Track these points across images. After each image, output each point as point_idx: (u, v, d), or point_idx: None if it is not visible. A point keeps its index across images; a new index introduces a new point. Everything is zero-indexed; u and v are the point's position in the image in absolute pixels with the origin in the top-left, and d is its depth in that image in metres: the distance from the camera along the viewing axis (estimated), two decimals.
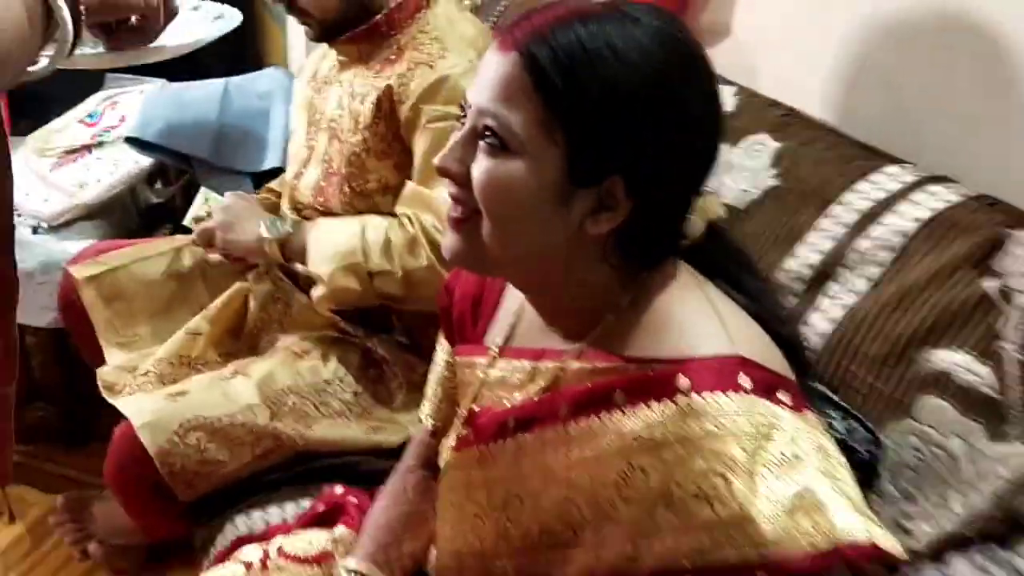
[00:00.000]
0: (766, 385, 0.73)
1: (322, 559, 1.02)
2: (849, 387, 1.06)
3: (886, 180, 1.14)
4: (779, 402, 0.73)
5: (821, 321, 1.12)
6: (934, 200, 1.08)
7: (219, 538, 1.24)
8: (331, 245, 1.36)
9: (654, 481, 0.71)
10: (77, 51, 0.79)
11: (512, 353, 0.88)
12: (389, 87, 1.37)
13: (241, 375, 1.35)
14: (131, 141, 1.79)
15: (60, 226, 1.81)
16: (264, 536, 1.12)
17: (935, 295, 1.01)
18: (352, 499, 1.11)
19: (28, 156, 1.93)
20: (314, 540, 1.05)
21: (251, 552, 1.05)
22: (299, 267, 1.42)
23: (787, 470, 0.70)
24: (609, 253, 0.78)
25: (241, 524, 1.24)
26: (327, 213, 1.48)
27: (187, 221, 1.55)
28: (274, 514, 1.25)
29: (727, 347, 0.73)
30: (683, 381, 0.71)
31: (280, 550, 1.04)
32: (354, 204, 1.44)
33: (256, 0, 2.34)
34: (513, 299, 0.92)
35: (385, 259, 1.32)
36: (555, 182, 0.73)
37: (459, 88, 1.34)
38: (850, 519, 0.69)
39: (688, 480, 0.70)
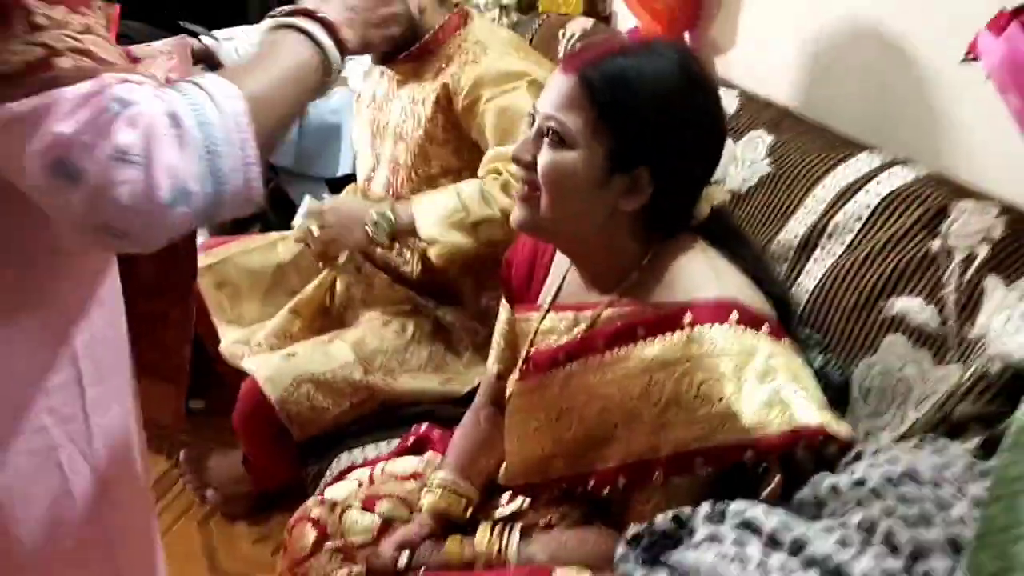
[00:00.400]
0: (751, 320, 0.99)
1: (417, 476, 1.31)
2: (830, 330, 1.31)
3: (859, 164, 1.39)
4: (761, 332, 0.99)
5: (808, 280, 1.38)
6: (895, 179, 1.33)
7: (327, 472, 1.54)
8: (433, 211, 1.56)
9: (667, 390, 0.98)
10: None
11: (559, 308, 1.16)
12: (445, 85, 1.65)
13: (338, 340, 1.64)
14: None
15: None
16: (368, 463, 1.41)
17: (894, 254, 1.26)
18: (436, 432, 1.40)
19: None
20: (409, 463, 1.34)
21: (360, 473, 1.35)
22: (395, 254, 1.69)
23: (763, 379, 0.96)
24: (636, 226, 1.05)
25: (344, 460, 1.54)
26: None
27: (297, 223, 1.76)
28: (370, 451, 1.54)
29: (722, 292, 1.00)
30: (688, 317, 0.98)
31: (383, 471, 1.33)
32: (422, 191, 1.70)
33: None
34: (559, 267, 1.19)
35: (484, 207, 1.54)
36: (598, 169, 0.99)
37: (503, 72, 1.62)
38: (807, 411, 0.96)
39: (691, 387, 0.96)
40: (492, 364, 1.32)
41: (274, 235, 1.93)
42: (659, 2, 1.82)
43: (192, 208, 0.71)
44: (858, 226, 1.33)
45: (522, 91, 1.63)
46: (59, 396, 0.86)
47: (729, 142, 1.59)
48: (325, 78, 0.87)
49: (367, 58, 1.71)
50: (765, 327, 1.00)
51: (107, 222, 0.69)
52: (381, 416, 1.60)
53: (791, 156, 1.49)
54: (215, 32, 1.09)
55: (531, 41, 2.19)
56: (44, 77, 0.65)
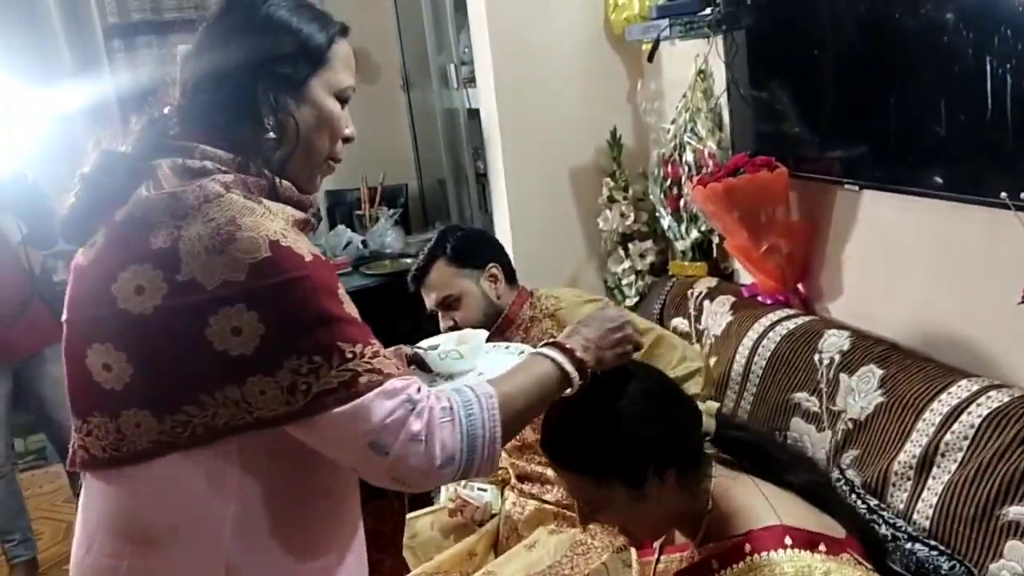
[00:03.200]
0: (804, 541, 1.15)
1: None
2: (956, 537, 1.47)
3: (959, 390, 1.59)
4: (817, 551, 1.15)
5: (930, 495, 1.55)
6: (993, 401, 1.53)
7: None
8: None
9: None
10: None
11: (667, 551, 1.38)
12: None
13: None
14: None
15: None
16: None
17: (1001, 467, 1.44)
18: None
19: None
20: None
21: None
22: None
23: None
24: (681, 486, 1.24)
25: None
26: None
27: (442, 502, 2.20)
28: None
29: (775, 520, 1.18)
30: (748, 547, 1.16)
31: None
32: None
33: None
34: None
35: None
36: (631, 495, 1.22)
37: (581, 300, 2.08)
38: None
39: None
40: None
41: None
42: (770, 262, 2.15)
43: (454, 469, 1.03)
44: (966, 444, 1.52)
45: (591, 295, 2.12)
46: None
47: (844, 376, 1.83)
48: (567, 387, 1.15)
49: None
50: (821, 546, 1.16)
51: (399, 477, 1.02)
52: None
53: (900, 386, 1.71)
54: (421, 343, 1.46)
55: (663, 300, 2.54)
56: (351, 392, 1.00)
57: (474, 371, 1.40)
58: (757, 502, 1.21)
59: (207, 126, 1.09)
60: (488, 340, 2.09)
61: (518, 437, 2.10)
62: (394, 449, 1.00)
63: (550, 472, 2.05)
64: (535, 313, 2.09)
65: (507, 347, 1.48)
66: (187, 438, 1.02)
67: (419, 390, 1.04)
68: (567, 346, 1.17)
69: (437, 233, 2.14)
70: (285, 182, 1.11)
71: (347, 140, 1.18)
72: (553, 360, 1.15)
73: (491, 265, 2.08)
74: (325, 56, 1.12)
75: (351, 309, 1.05)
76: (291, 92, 1.10)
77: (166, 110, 1.13)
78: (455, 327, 2.04)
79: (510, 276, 2.13)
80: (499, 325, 2.08)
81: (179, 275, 0.99)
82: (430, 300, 2.08)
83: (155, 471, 1.05)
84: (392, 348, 1.33)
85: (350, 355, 1.01)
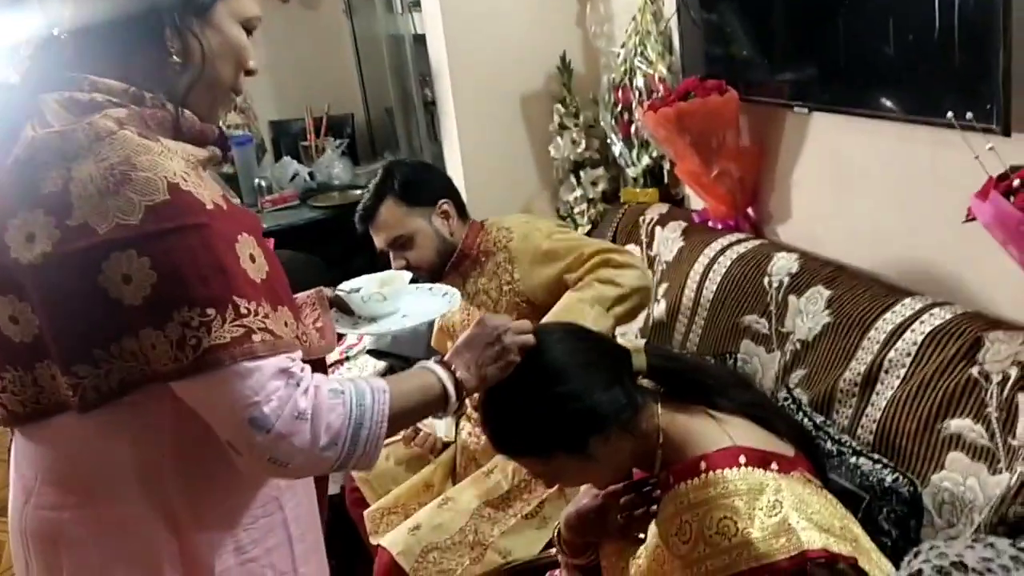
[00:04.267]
0: (758, 460, 1.17)
1: None
2: (900, 451, 1.52)
3: (903, 308, 1.63)
4: (769, 469, 1.17)
5: (874, 411, 1.60)
6: (935, 318, 1.57)
7: None
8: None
9: (694, 529, 1.17)
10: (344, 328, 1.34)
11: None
12: (496, 277, 2.00)
13: (450, 502, 1.91)
14: (371, 352, 2.48)
15: None
16: None
17: (942, 382, 1.48)
18: None
19: None
20: None
21: None
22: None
23: (771, 512, 1.14)
24: (624, 433, 1.23)
25: None
26: None
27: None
28: None
29: (728, 441, 1.19)
30: (702, 465, 1.18)
31: None
32: None
33: None
34: None
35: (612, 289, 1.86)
36: (578, 458, 1.22)
37: (531, 227, 2.02)
38: (811, 535, 1.11)
39: (712, 525, 1.15)
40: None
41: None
42: (721, 187, 2.15)
43: (335, 454, 1.00)
44: (908, 361, 1.56)
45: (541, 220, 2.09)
46: (277, 554, 1.15)
47: (793, 297, 1.86)
48: (444, 403, 1.14)
49: None
50: (773, 464, 1.18)
51: (277, 457, 0.97)
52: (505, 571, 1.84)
53: (846, 306, 1.74)
54: (343, 284, 1.41)
55: (615, 227, 2.54)
56: (244, 348, 0.94)
57: (397, 313, 1.37)
58: (707, 427, 1.22)
59: (102, 51, 1.02)
60: (445, 277, 2.10)
61: None
62: (277, 426, 0.95)
63: None
64: (488, 246, 2.03)
65: (430, 288, 1.45)
66: (77, 401, 0.98)
67: (302, 369, 1.00)
68: (451, 367, 1.15)
69: (382, 169, 2.05)
70: (187, 112, 1.05)
71: (250, 73, 1.12)
72: (438, 377, 1.13)
73: (442, 201, 2.02)
74: None
75: (252, 266, 1.00)
76: (196, 15, 1.04)
77: (56, 31, 1.03)
78: (408, 267, 1.99)
79: (461, 210, 2.07)
80: (454, 262, 2.04)
81: (70, 220, 0.93)
82: (380, 240, 2.01)
83: (83, 420, 1.01)
84: (312, 290, 1.29)
85: (245, 311, 0.96)
